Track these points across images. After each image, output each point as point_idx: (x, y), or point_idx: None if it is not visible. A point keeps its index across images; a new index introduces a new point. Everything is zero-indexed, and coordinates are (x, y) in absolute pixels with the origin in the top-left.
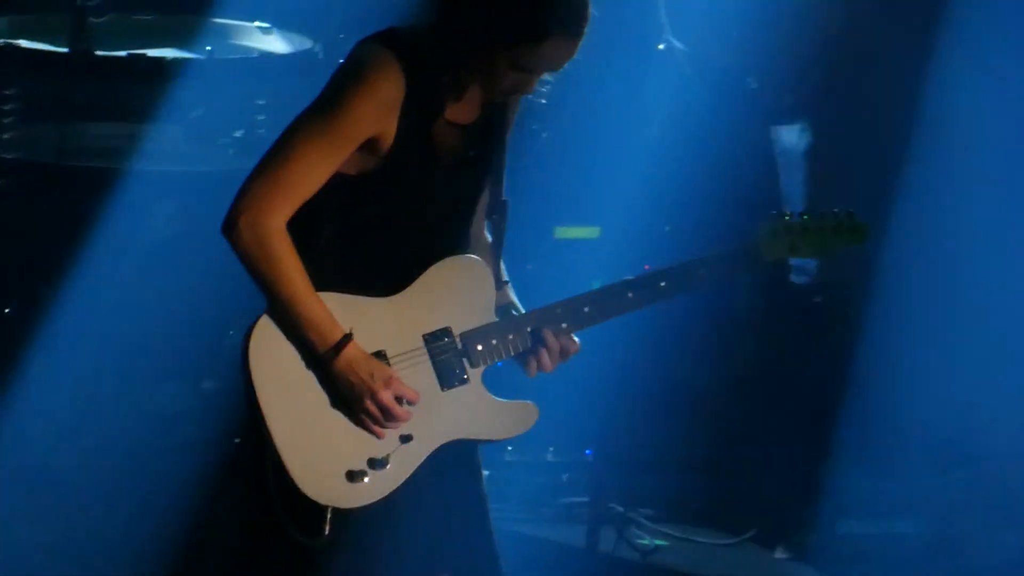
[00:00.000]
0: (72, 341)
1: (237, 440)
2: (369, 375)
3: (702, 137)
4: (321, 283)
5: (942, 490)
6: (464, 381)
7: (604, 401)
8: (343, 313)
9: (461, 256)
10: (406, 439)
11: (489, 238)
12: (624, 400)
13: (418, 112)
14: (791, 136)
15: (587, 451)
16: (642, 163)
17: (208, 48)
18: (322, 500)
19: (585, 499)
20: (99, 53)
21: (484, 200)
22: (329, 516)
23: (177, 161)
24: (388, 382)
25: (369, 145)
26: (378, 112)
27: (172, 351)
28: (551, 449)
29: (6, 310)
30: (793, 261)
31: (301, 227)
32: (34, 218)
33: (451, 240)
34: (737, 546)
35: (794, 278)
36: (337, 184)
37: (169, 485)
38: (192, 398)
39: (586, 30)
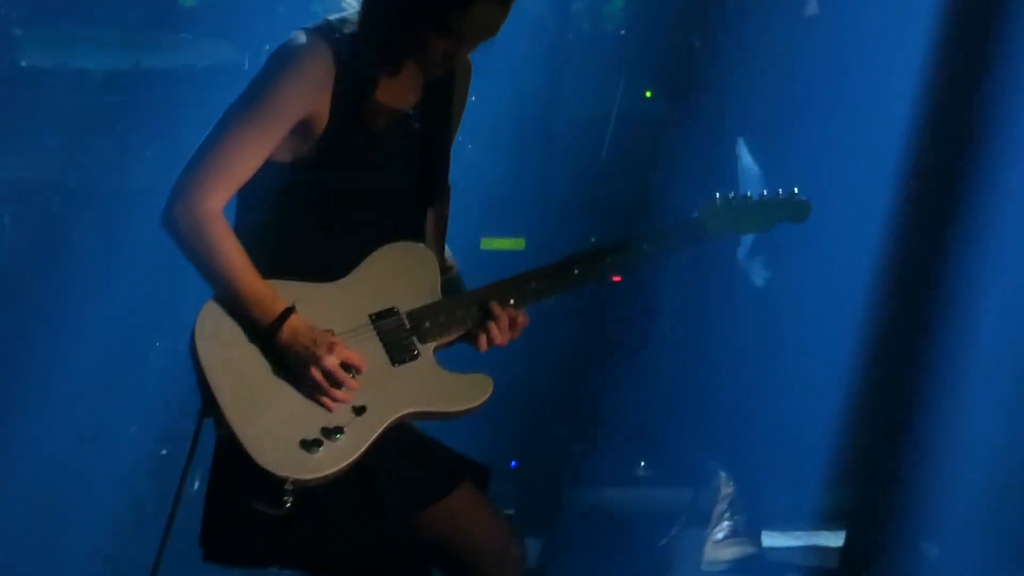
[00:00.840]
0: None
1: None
2: (312, 342)
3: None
4: (267, 271)
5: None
6: (415, 356)
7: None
8: (288, 297)
9: (403, 242)
10: (360, 411)
11: (432, 222)
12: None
13: (350, 93)
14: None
15: (512, 463)
16: (569, 173)
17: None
18: (278, 470)
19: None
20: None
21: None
22: (289, 488)
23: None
24: (331, 347)
25: (302, 129)
26: (306, 91)
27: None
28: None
29: None
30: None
31: (244, 218)
32: None
33: (397, 223)
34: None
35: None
36: (275, 172)
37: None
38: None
39: None
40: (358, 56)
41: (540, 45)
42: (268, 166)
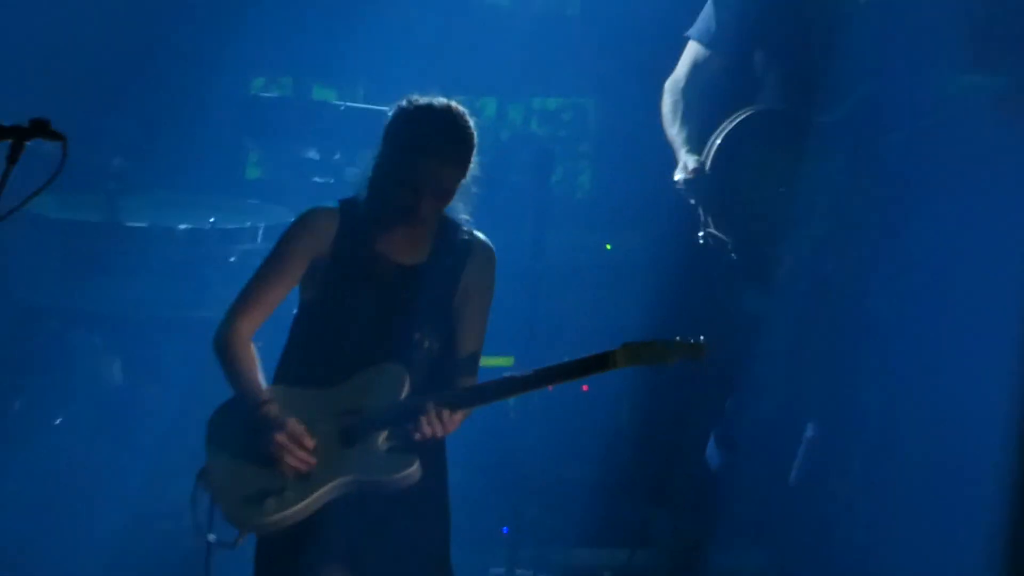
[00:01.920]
0: None
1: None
2: (276, 420)
3: None
4: (283, 377)
5: None
6: (364, 440)
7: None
8: (284, 398)
9: (382, 364)
10: (305, 476)
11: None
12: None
13: (350, 244)
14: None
15: (504, 528)
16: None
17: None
18: (231, 520)
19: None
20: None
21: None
22: (243, 532)
23: None
24: (284, 425)
25: (312, 270)
26: (308, 240)
27: None
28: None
29: None
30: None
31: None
32: None
33: (385, 346)
34: None
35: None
36: (301, 306)
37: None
38: None
39: (460, 156)
40: (357, 214)
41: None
42: (300, 302)
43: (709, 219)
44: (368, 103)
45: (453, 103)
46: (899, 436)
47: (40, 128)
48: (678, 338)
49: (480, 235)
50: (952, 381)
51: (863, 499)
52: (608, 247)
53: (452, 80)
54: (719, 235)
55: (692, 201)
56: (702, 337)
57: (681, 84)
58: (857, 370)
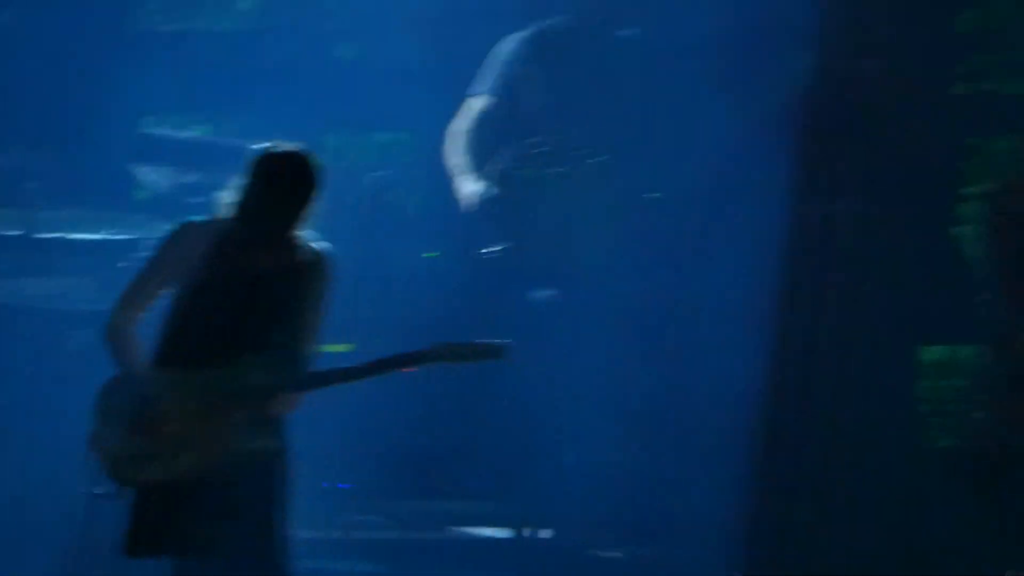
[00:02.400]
0: None
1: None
2: (155, 396)
3: None
4: (160, 358)
5: None
6: (226, 416)
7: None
8: (161, 378)
9: (243, 353)
10: (176, 442)
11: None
12: None
13: (216, 254)
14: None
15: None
16: None
17: None
18: (114, 476)
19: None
20: None
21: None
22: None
23: None
24: (160, 400)
25: (184, 273)
26: (182, 250)
27: None
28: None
29: None
30: None
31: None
32: None
33: (240, 342)
34: None
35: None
36: (173, 300)
37: None
38: None
39: (307, 192)
40: (224, 229)
41: None
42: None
43: (498, 231)
44: (240, 137)
45: (304, 150)
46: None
47: None
48: (481, 341)
49: (321, 248)
50: (703, 362)
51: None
52: (431, 255)
53: (307, 118)
54: (504, 245)
55: (482, 218)
56: (503, 341)
57: (464, 127)
58: (626, 350)
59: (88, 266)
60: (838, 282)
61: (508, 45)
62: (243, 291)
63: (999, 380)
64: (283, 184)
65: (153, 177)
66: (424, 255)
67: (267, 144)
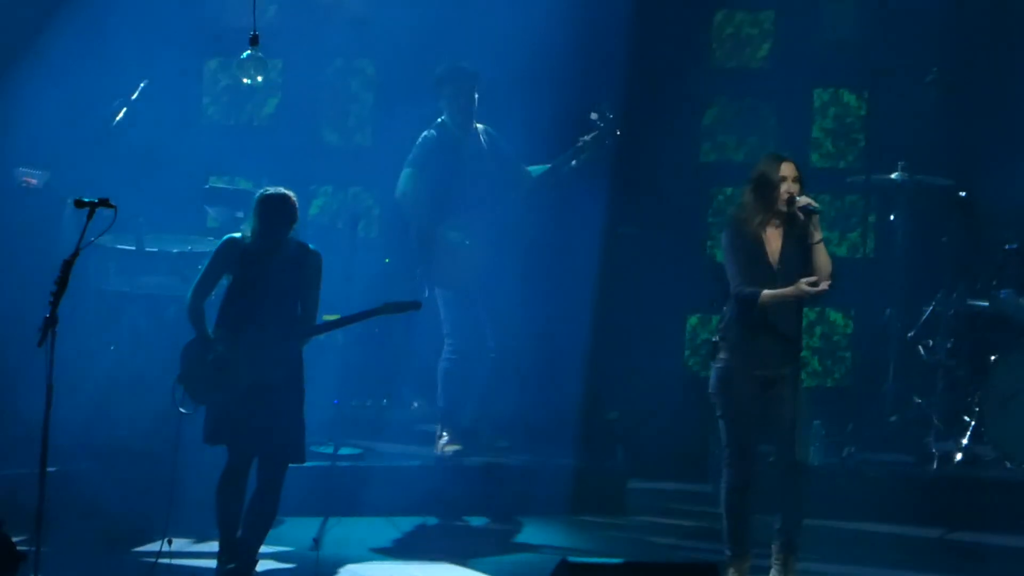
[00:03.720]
0: None
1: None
2: (217, 349)
3: None
4: (221, 322)
5: None
6: (261, 355)
7: None
8: (221, 336)
9: (270, 316)
10: (231, 376)
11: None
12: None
13: (247, 256)
14: None
15: (335, 400)
16: None
17: None
18: (195, 398)
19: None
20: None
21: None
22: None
23: None
24: (220, 350)
25: (230, 269)
26: (227, 253)
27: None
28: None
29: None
30: None
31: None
32: None
33: (267, 311)
34: None
35: None
36: (227, 286)
37: None
38: None
39: (290, 218)
40: (249, 241)
41: None
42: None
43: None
44: (256, 187)
45: (287, 193)
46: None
47: (104, 202)
48: (409, 300)
49: (312, 247)
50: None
51: None
52: (387, 260)
53: (306, 176)
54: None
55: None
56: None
57: (405, 188)
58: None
59: (177, 268)
60: (632, 273)
61: (422, 136)
62: (265, 280)
63: (734, 332)
64: (270, 213)
65: (216, 212)
66: (385, 260)
67: (262, 189)
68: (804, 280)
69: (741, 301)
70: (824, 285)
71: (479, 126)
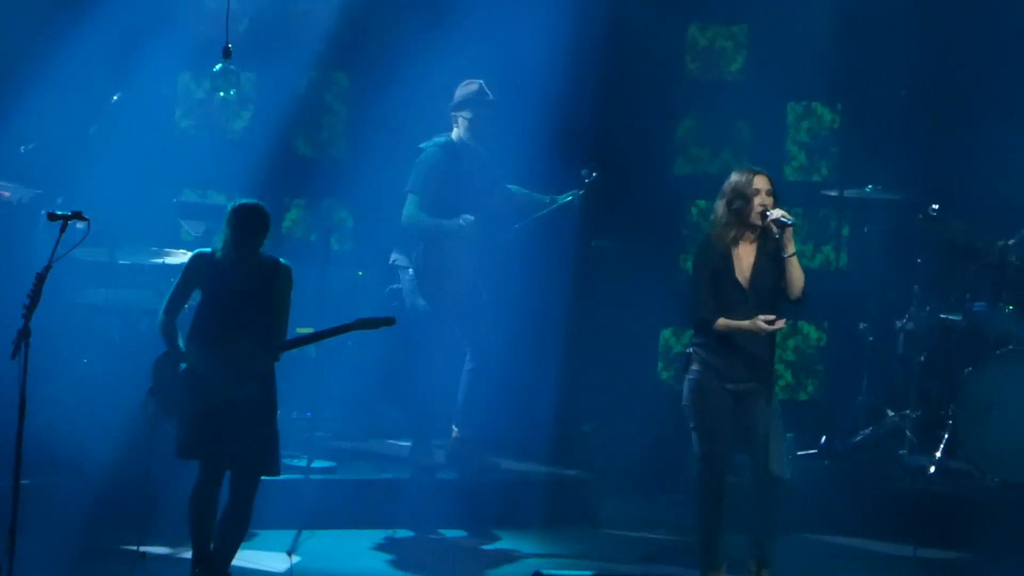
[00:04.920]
0: None
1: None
2: (191, 365)
3: None
4: (192, 336)
5: None
6: (236, 373)
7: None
8: (193, 352)
9: (242, 333)
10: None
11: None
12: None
13: (217, 270)
14: None
15: (307, 413)
16: None
17: None
18: (167, 411)
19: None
20: None
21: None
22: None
23: None
24: (195, 367)
25: (201, 283)
26: (198, 266)
27: None
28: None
29: None
30: None
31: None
32: None
33: (238, 326)
34: None
35: None
36: (199, 301)
37: None
38: None
39: (262, 229)
40: (219, 254)
41: None
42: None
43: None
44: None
45: (259, 203)
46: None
47: (77, 215)
48: (382, 316)
49: (283, 260)
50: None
51: None
52: (360, 273)
53: (267, 185)
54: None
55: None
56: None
57: (409, 211)
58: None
59: (150, 281)
60: (606, 286)
61: (425, 154)
62: (236, 293)
63: (705, 345)
64: (243, 224)
65: (189, 226)
66: (358, 273)
67: (233, 202)
68: (762, 317)
69: (696, 323)
70: (780, 324)
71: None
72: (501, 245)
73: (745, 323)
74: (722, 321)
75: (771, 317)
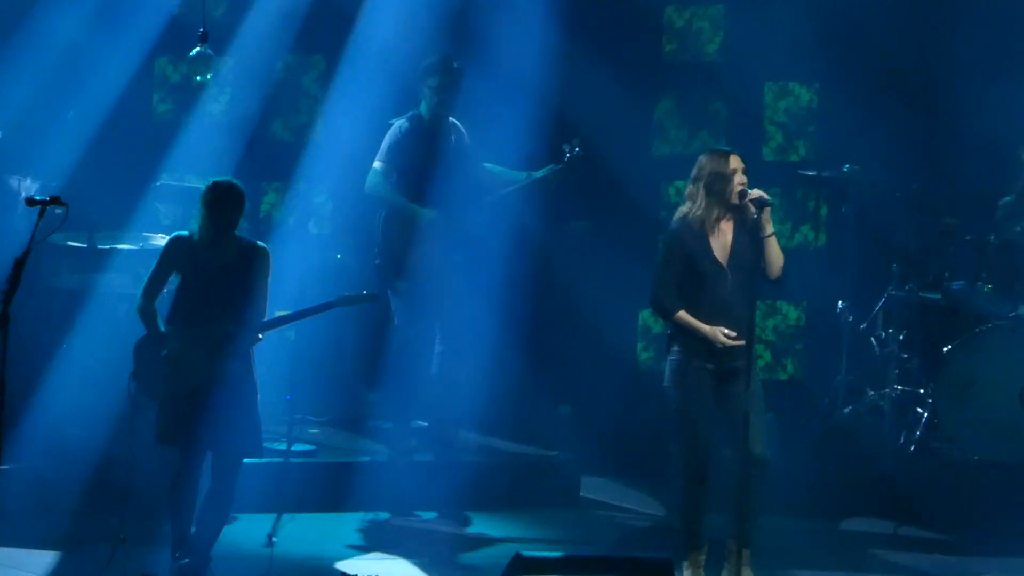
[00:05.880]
0: None
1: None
2: (171, 346)
3: None
4: (170, 320)
5: None
6: (217, 352)
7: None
8: (173, 333)
9: (221, 317)
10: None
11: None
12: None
13: (195, 253)
14: None
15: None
16: None
17: None
18: (149, 393)
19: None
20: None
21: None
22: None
23: None
24: (174, 347)
25: (178, 266)
26: (174, 250)
27: None
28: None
29: None
30: None
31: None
32: None
33: (218, 308)
34: None
35: None
36: (178, 284)
37: None
38: None
39: (237, 209)
40: (196, 238)
41: None
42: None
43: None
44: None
45: (234, 181)
46: None
47: (55, 200)
48: (365, 292)
49: (260, 243)
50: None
51: None
52: (339, 256)
53: (245, 168)
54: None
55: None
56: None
57: (374, 181)
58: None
59: (129, 265)
60: (584, 267)
61: (393, 127)
62: (215, 276)
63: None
64: (218, 202)
65: (167, 210)
66: (337, 256)
67: (209, 182)
68: (723, 331)
69: (656, 309)
70: (740, 341)
71: (451, 119)
72: (474, 218)
73: (705, 328)
74: (683, 316)
75: (733, 333)
